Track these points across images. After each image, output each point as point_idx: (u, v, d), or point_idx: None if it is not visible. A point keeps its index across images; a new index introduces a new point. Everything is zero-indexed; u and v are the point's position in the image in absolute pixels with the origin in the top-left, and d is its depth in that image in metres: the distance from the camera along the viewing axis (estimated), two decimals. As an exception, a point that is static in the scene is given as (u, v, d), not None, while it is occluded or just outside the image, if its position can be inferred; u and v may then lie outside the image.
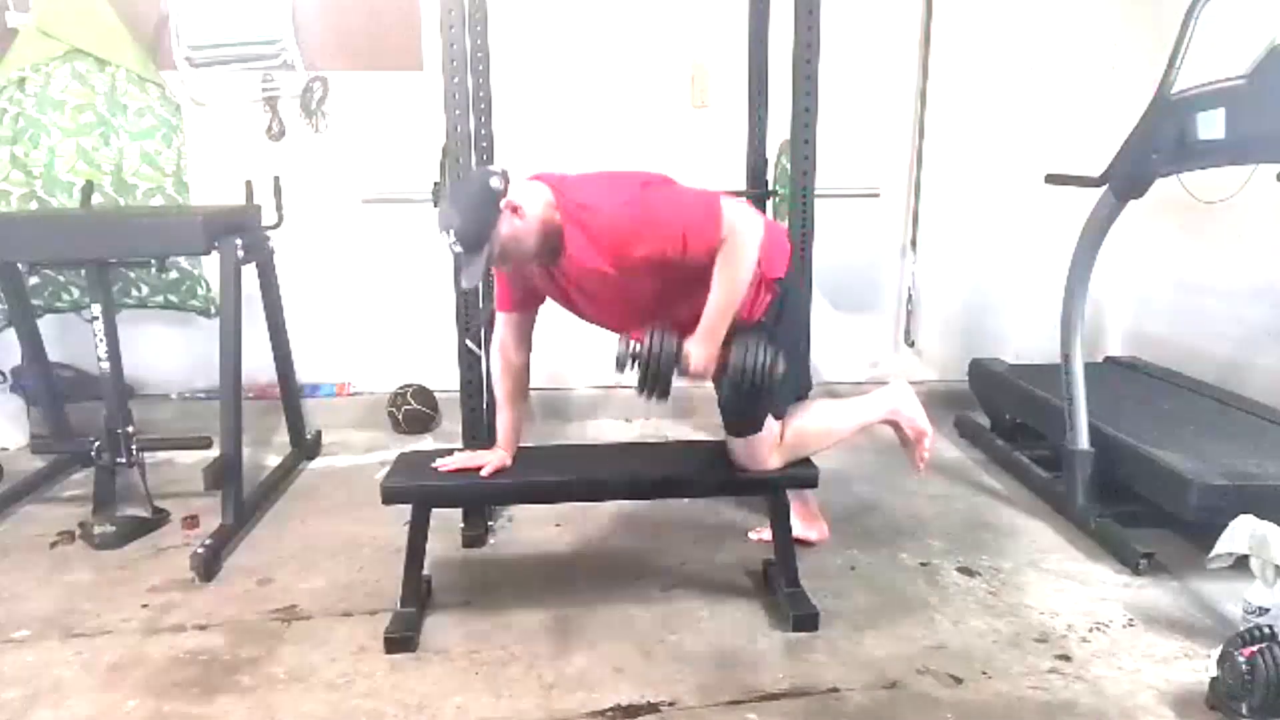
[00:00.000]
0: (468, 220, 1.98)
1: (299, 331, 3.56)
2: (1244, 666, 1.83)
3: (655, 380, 2.03)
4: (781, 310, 2.25)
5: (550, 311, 2.33)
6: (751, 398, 2.07)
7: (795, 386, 2.42)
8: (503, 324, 2.32)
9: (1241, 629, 1.96)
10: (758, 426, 2.28)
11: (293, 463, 3.44)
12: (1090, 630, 2.28)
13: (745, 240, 2.05)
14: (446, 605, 2.40)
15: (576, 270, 2.09)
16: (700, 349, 2.06)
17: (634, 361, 2.03)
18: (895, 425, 2.50)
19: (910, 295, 4.13)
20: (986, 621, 2.32)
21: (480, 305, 2.69)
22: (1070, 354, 2.84)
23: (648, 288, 2.11)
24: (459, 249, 2.00)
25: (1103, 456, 2.82)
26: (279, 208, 3.26)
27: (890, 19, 3.91)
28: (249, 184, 3.25)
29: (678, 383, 2.08)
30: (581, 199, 2.04)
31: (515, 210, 2.00)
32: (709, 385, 2.36)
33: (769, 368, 2.04)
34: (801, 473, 2.38)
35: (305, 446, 3.56)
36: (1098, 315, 4.06)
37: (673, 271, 2.08)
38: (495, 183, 2.00)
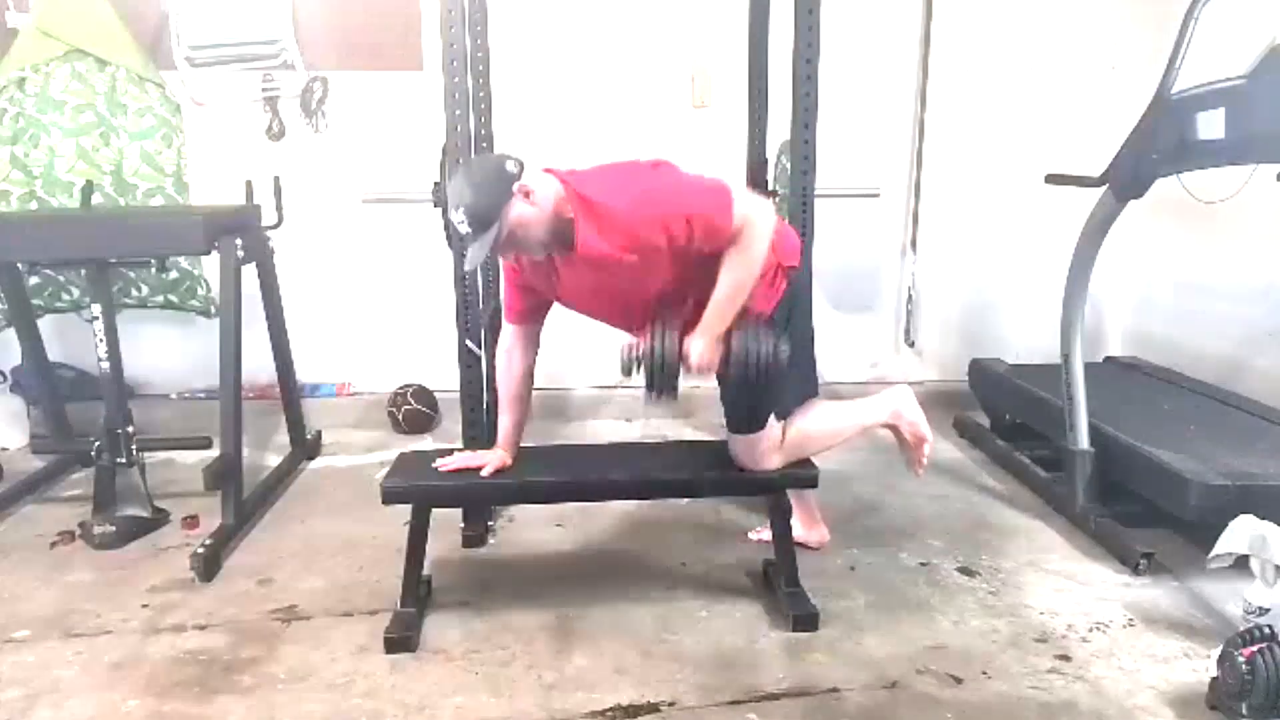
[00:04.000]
0: (479, 197, 1.95)
1: (299, 331, 3.56)
2: (1244, 666, 1.83)
3: (662, 379, 2.03)
4: (793, 304, 2.25)
5: (551, 312, 2.33)
6: (759, 390, 2.06)
7: (802, 387, 2.42)
8: (509, 332, 2.32)
9: (1241, 629, 1.95)
10: (761, 424, 2.28)
11: (293, 463, 3.44)
12: (1090, 630, 2.28)
13: (757, 232, 2.03)
14: (446, 605, 2.40)
15: (586, 262, 2.07)
16: (703, 343, 2.05)
17: (639, 364, 2.03)
18: (895, 429, 2.50)
19: (910, 295, 4.13)
20: (986, 621, 2.32)
21: (480, 305, 2.69)
22: (1070, 354, 2.84)
23: (656, 280, 2.10)
24: (467, 228, 1.97)
25: (1103, 456, 2.82)
26: (279, 208, 3.25)
27: (890, 19, 3.92)
28: (249, 184, 3.25)
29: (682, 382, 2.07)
30: (592, 191, 2.03)
31: (528, 195, 1.98)
32: (710, 384, 2.36)
33: (773, 355, 2.02)
34: (802, 473, 2.38)
35: (305, 446, 3.55)
36: (1098, 315, 4.06)
37: (682, 262, 2.06)
38: (511, 166, 1.99)
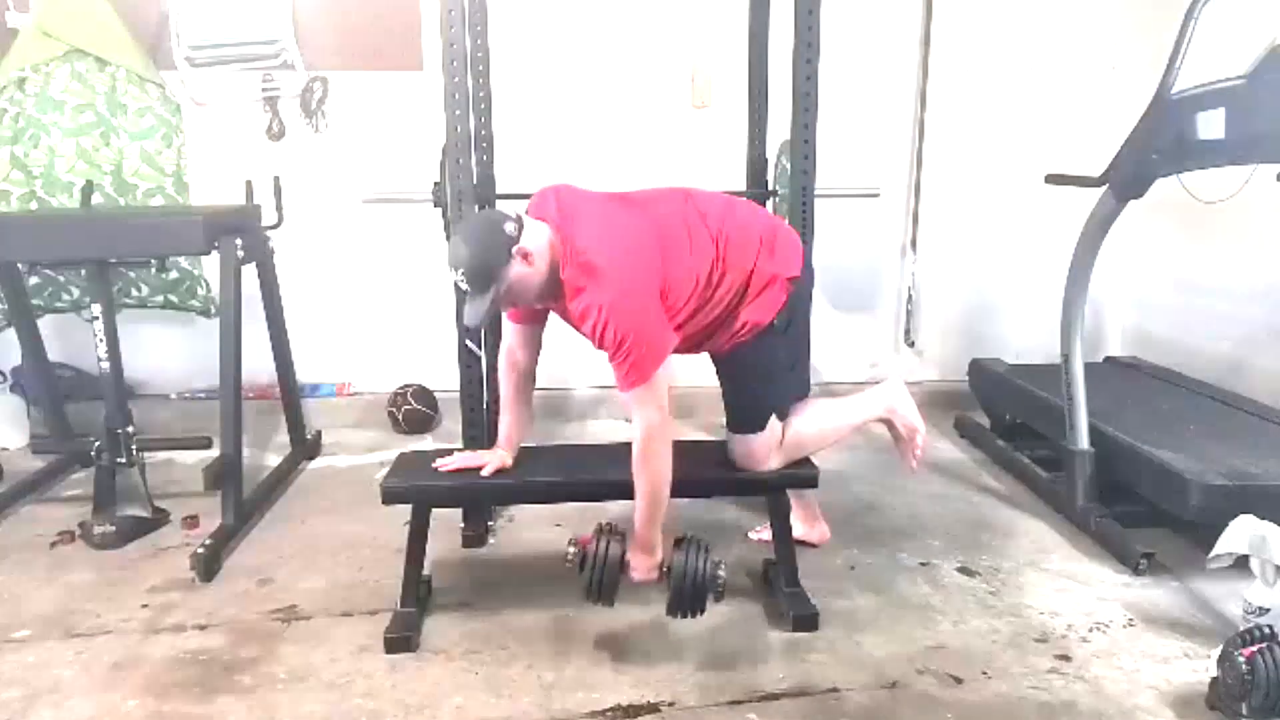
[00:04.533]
0: (478, 261, 1.97)
1: (299, 331, 3.56)
2: (1244, 666, 1.83)
3: (600, 588, 2.08)
4: (794, 311, 2.25)
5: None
6: (694, 604, 2.09)
7: (798, 387, 2.42)
8: (511, 332, 2.32)
9: (1241, 629, 1.96)
10: (762, 425, 2.28)
11: (293, 463, 3.44)
12: (1090, 630, 2.28)
13: (655, 443, 2.04)
14: (446, 605, 2.40)
15: (572, 316, 2.09)
16: (640, 560, 2.10)
17: (582, 565, 2.07)
18: (889, 423, 2.51)
19: (910, 295, 4.13)
20: (986, 621, 2.32)
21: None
22: (1070, 354, 2.84)
23: None
24: (465, 287, 2.00)
25: (1103, 456, 2.82)
26: (279, 208, 3.25)
27: (890, 19, 3.92)
28: (249, 184, 3.25)
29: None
30: (583, 257, 2.00)
31: (526, 257, 1.99)
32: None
33: (709, 578, 2.06)
34: (801, 473, 2.38)
35: (305, 446, 3.55)
36: (1098, 315, 4.06)
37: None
38: (510, 228, 1.98)
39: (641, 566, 2.10)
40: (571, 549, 2.10)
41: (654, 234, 2.09)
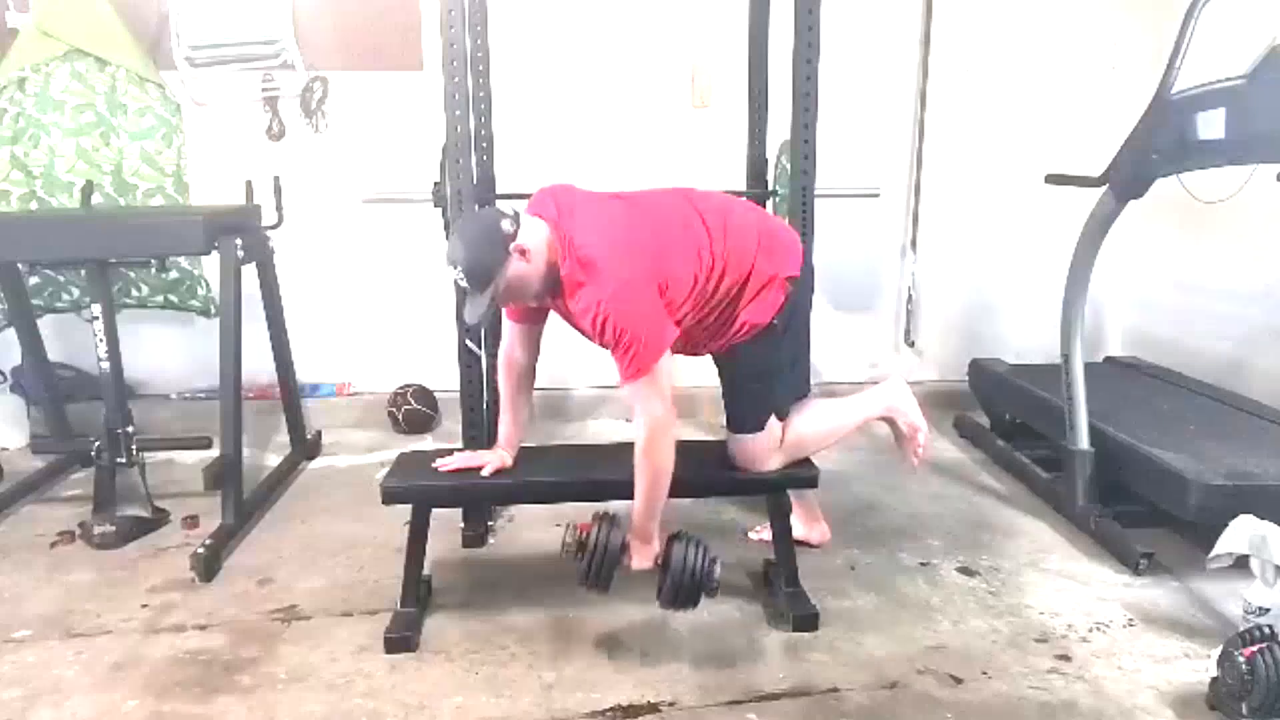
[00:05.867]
0: (476, 258, 1.98)
1: (299, 331, 3.56)
2: (1244, 666, 1.83)
3: (598, 575, 2.07)
4: (793, 311, 2.25)
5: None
6: (690, 598, 2.09)
7: (799, 387, 2.42)
8: (511, 331, 2.32)
9: (1241, 629, 1.96)
10: (762, 425, 2.28)
11: (293, 463, 3.44)
12: (1090, 630, 2.28)
13: (659, 436, 2.04)
14: (446, 605, 2.40)
15: (571, 314, 2.10)
16: (638, 549, 2.09)
17: (580, 551, 2.07)
18: (891, 422, 2.51)
19: (910, 295, 4.13)
20: (986, 621, 2.32)
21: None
22: (1070, 354, 2.84)
23: None
24: (465, 285, 2.01)
25: (1103, 456, 2.82)
26: (279, 208, 3.25)
27: (890, 19, 3.91)
28: (249, 184, 3.25)
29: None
30: (581, 253, 2.01)
31: (524, 254, 2.00)
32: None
33: (706, 573, 2.06)
34: (802, 473, 2.38)
35: (305, 446, 3.55)
36: (1098, 315, 4.06)
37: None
38: (507, 225, 1.99)
39: (639, 556, 2.09)
40: (569, 535, 2.09)
41: (652, 231, 2.09)
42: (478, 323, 2.10)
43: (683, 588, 2.06)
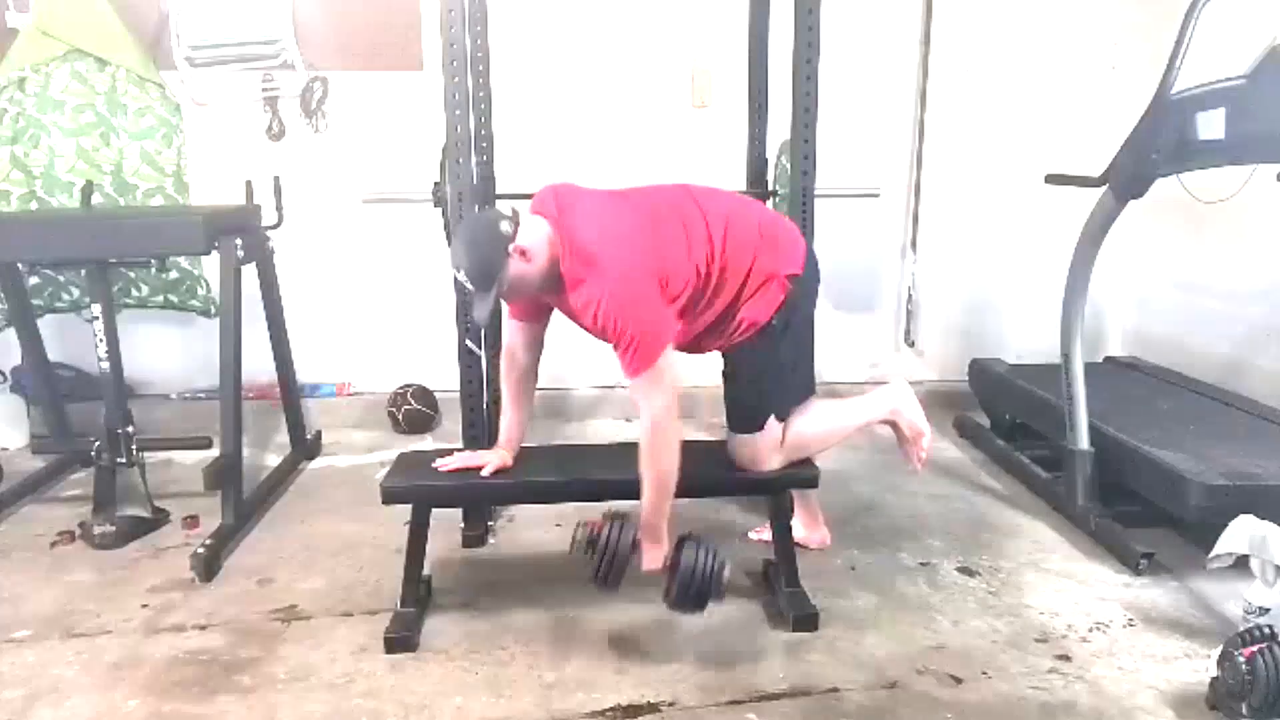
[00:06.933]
0: (477, 261, 2.01)
1: (299, 331, 3.56)
2: (1244, 666, 1.83)
3: (609, 574, 2.07)
4: (793, 310, 2.24)
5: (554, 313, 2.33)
6: (698, 601, 2.08)
7: (801, 388, 2.42)
8: (513, 330, 2.32)
9: (1241, 629, 1.96)
10: (762, 425, 2.28)
11: (293, 463, 3.44)
12: (1090, 630, 2.28)
13: (663, 432, 2.03)
14: (446, 605, 2.40)
15: (573, 309, 2.10)
16: (649, 548, 2.09)
17: (591, 549, 2.07)
18: (894, 425, 2.50)
19: (910, 295, 4.13)
20: (986, 621, 2.32)
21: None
22: (1070, 354, 2.84)
23: None
24: (469, 286, 2.03)
25: (1103, 456, 2.82)
26: (279, 208, 3.25)
27: (890, 19, 3.92)
28: (249, 184, 3.25)
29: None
30: (581, 248, 2.01)
31: (524, 254, 2.01)
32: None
33: (715, 575, 2.05)
34: (802, 473, 2.38)
35: (305, 446, 3.55)
36: (1098, 315, 4.05)
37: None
38: (505, 227, 2.01)
39: (649, 556, 2.09)
40: (580, 532, 2.08)
41: (652, 225, 2.09)
42: (486, 320, 2.11)
43: (690, 590, 2.06)
